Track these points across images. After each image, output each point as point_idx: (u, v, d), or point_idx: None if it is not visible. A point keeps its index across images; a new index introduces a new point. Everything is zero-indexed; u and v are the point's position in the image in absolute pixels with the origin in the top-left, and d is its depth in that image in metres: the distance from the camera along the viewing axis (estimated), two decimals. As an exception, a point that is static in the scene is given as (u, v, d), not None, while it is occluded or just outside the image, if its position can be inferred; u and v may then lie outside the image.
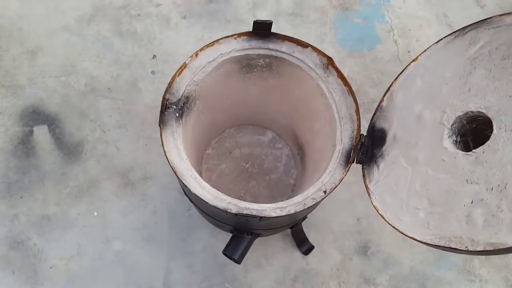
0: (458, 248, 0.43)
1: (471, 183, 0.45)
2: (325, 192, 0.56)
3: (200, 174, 0.83)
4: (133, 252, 0.86)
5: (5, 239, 0.86)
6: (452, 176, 0.47)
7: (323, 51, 0.62)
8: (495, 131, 0.44)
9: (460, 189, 0.46)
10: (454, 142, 0.50)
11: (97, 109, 0.94)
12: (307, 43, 0.61)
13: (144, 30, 1.00)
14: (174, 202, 0.89)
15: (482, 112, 0.46)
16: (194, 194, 0.54)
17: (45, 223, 0.87)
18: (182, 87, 0.60)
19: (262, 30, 0.60)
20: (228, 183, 0.84)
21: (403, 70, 0.56)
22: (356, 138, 0.59)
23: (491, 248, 0.40)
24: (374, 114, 0.60)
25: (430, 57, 0.53)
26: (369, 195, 0.56)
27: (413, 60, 0.55)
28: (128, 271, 0.85)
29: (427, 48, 0.53)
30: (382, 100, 0.59)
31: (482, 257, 0.88)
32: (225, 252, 0.61)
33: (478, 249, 0.41)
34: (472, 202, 0.44)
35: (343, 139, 0.59)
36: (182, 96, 0.60)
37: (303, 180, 0.77)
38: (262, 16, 1.02)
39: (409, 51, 1.00)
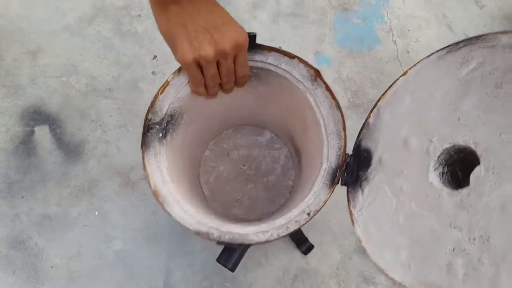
0: None
1: (454, 228, 0.42)
2: (309, 214, 0.54)
3: (198, 176, 0.83)
4: (133, 251, 0.86)
5: (5, 239, 0.86)
6: (436, 216, 0.45)
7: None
8: (482, 173, 0.41)
9: (443, 232, 0.43)
10: (441, 174, 0.47)
11: (98, 109, 0.95)
12: (294, 55, 0.59)
13: (145, 31, 1.01)
14: (175, 202, 0.89)
15: (470, 148, 0.43)
16: (175, 220, 0.54)
17: (46, 223, 0.87)
18: (165, 105, 0.58)
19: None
20: (226, 186, 0.84)
21: (391, 85, 0.53)
22: (342, 157, 0.56)
23: None
24: (361, 131, 0.56)
25: (420, 72, 0.49)
26: (352, 222, 0.53)
27: (403, 74, 0.52)
28: (129, 270, 0.85)
29: (418, 62, 0.50)
30: (369, 117, 0.55)
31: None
32: (218, 261, 0.61)
33: None
34: (453, 250, 0.41)
35: (329, 157, 0.57)
36: (165, 114, 0.58)
37: (300, 182, 0.77)
38: (262, 16, 1.02)
39: (408, 52, 1.00)
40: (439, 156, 0.46)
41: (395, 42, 1.01)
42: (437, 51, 0.47)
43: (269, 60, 0.59)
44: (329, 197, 0.55)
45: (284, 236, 0.54)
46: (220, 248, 0.62)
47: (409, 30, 1.02)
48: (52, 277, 0.84)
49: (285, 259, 0.87)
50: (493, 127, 0.41)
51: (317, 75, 0.58)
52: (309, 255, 0.86)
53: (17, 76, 0.97)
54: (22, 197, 0.89)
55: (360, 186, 0.54)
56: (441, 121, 0.46)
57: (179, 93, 0.58)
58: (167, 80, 0.58)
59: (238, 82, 0.56)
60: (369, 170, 0.54)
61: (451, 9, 1.04)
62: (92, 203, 0.89)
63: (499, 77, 0.41)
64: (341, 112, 0.57)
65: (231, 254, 0.60)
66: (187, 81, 0.57)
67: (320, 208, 0.55)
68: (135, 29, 1.01)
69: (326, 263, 0.87)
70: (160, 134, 0.57)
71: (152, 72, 0.98)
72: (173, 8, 0.47)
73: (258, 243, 0.54)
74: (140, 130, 0.93)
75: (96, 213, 0.88)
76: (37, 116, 0.94)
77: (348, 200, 0.55)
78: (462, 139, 0.44)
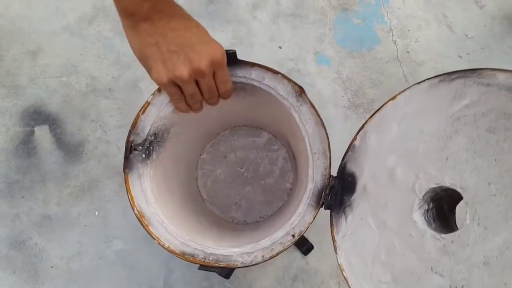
0: None
1: (436, 273, 0.40)
2: (293, 236, 0.54)
3: (196, 180, 0.83)
4: (133, 251, 0.86)
5: (6, 239, 0.86)
6: (417, 258, 0.43)
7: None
8: (467, 221, 0.39)
9: (424, 275, 0.41)
10: (425, 211, 0.45)
11: (98, 109, 0.95)
12: (276, 70, 0.57)
13: (145, 31, 1.01)
14: (175, 202, 0.89)
15: (455, 190, 0.41)
16: (160, 245, 0.54)
17: (46, 223, 0.87)
18: (147, 125, 0.57)
19: (227, 60, 0.55)
20: (224, 189, 0.83)
21: (379, 108, 0.51)
22: (327, 178, 0.55)
23: None
24: (346, 153, 0.54)
25: (410, 99, 0.47)
26: (335, 248, 0.52)
27: (391, 99, 0.49)
28: (129, 270, 0.85)
29: (408, 88, 0.47)
30: (355, 138, 0.53)
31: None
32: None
33: None
34: None
35: (315, 177, 0.55)
36: (147, 135, 0.57)
37: (297, 186, 0.76)
38: (262, 16, 1.02)
39: (408, 52, 1.00)
40: (424, 195, 0.44)
41: (395, 42, 1.01)
42: (429, 79, 0.45)
43: (252, 76, 0.58)
44: (314, 219, 0.54)
45: (269, 258, 0.54)
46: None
47: (409, 30, 1.02)
48: (52, 277, 0.85)
49: (285, 259, 0.87)
50: (482, 175, 0.39)
51: (301, 91, 0.57)
52: (309, 255, 0.86)
53: (17, 76, 0.97)
54: (22, 197, 0.89)
55: (344, 212, 0.53)
56: (429, 158, 0.44)
57: (161, 112, 0.57)
58: (147, 100, 0.57)
59: (222, 97, 0.55)
60: (353, 197, 0.52)
61: (451, 9, 1.04)
62: (92, 203, 0.89)
63: (492, 120, 0.39)
64: (325, 130, 0.56)
65: None
66: (168, 99, 0.56)
67: (305, 230, 0.54)
68: (135, 29, 1.01)
69: (326, 263, 0.87)
70: (143, 155, 0.56)
71: (152, 72, 0.98)
72: (144, 26, 0.45)
73: (243, 266, 0.53)
74: (140, 130, 0.94)
75: (96, 213, 0.88)
76: (37, 116, 0.94)
77: (331, 225, 0.54)
78: (449, 182, 0.42)
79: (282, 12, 1.03)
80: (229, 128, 0.85)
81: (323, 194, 0.54)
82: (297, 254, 0.87)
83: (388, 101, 0.49)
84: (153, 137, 0.57)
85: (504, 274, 0.35)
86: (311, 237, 0.86)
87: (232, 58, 0.55)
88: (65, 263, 0.86)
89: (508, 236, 0.36)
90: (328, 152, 0.55)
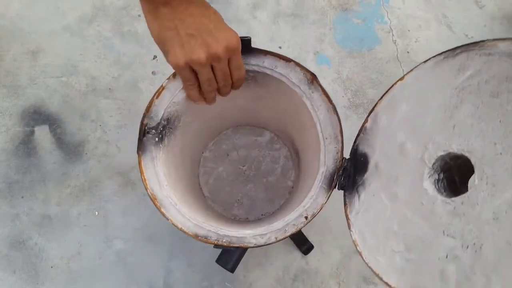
0: None
1: (447, 235, 0.42)
2: (306, 218, 0.55)
3: (198, 177, 0.83)
4: (133, 251, 0.86)
5: (6, 239, 0.86)
6: (429, 224, 0.44)
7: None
8: (476, 181, 0.40)
9: (436, 240, 0.43)
10: (436, 181, 0.47)
11: (98, 109, 0.95)
12: (289, 58, 0.58)
13: (145, 31, 1.01)
14: (175, 202, 0.89)
15: (465, 156, 0.43)
16: (173, 225, 0.54)
17: (46, 223, 0.87)
18: (161, 110, 0.58)
19: (242, 47, 0.56)
20: (226, 187, 0.84)
21: (388, 89, 0.53)
22: (339, 161, 0.56)
23: None
24: (358, 135, 0.56)
25: (418, 77, 0.49)
26: (349, 226, 0.54)
27: (400, 79, 0.51)
28: (129, 270, 0.85)
29: (414, 68, 0.50)
30: (366, 121, 0.55)
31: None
32: (218, 262, 0.61)
33: None
34: (447, 257, 0.41)
35: (326, 161, 0.56)
36: (161, 119, 0.58)
37: (300, 183, 0.77)
38: (262, 17, 1.02)
39: (408, 52, 1.00)
40: (434, 163, 0.46)
41: (395, 42, 1.01)
42: (434, 57, 0.47)
43: (265, 64, 0.59)
44: (327, 200, 0.55)
45: (282, 239, 0.54)
46: (219, 250, 0.62)
47: (409, 30, 1.02)
48: (52, 277, 0.85)
49: (285, 259, 0.87)
50: (488, 137, 0.40)
51: (313, 79, 0.58)
52: (309, 255, 0.86)
53: (17, 76, 0.97)
54: (22, 197, 0.89)
55: (357, 191, 0.54)
56: (436, 129, 0.46)
57: (175, 97, 0.58)
58: (162, 85, 0.58)
59: (234, 85, 0.56)
60: (365, 176, 0.54)
61: (451, 9, 1.04)
62: (92, 203, 0.89)
63: (495, 86, 0.40)
64: (338, 116, 0.57)
65: (230, 255, 0.60)
66: (182, 86, 0.57)
67: (318, 212, 0.55)
68: (135, 29, 1.01)
69: (326, 263, 0.87)
70: (157, 139, 0.57)
71: (152, 72, 0.98)
72: (164, 10, 0.46)
73: (256, 246, 0.54)
74: (140, 130, 0.94)
75: (96, 213, 0.88)
76: (37, 116, 0.94)
77: (345, 204, 0.55)
78: (456, 148, 0.44)
79: (282, 12, 1.03)
80: (232, 127, 0.86)
81: (335, 177, 0.55)
82: (297, 254, 0.87)
83: (397, 81, 0.51)
84: (166, 122, 0.58)
85: None
86: (311, 237, 0.86)
87: (246, 45, 0.56)
88: (65, 263, 0.86)
89: None
90: (339, 137, 0.56)
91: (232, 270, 0.59)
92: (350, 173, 0.56)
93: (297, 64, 0.58)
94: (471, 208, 0.40)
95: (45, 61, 0.98)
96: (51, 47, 0.99)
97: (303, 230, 0.85)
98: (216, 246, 0.54)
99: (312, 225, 0.88)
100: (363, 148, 0.55)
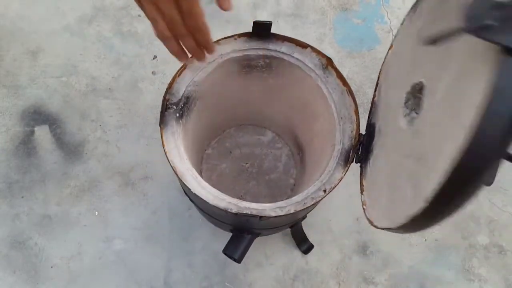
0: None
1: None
2: (324, 191, 0.56)
3: (200, 174, 0.84)
4: (133, 251, 0.86)
5: (6, 239, 0.86)
6: (413, 161, 0.46)
7: (322, 51, 0.62)
8: (425, 101, 0.43)
9: (421, 173, 0.44)
10: (411, 119, 0.49)
11: (98, 109, 0.95)
12: (307, 44, 0.61)
13: (145, 31, 1.01)
14: (175, 202, 0.89)
15: (421, 82, 0.46)
16: (195, 194, 0.55)
17: (46, 223, 0.87)
18: (182, 87, 0.60)
19: (261, 30, 0.60)
20: (228, 183, 0.84)
21: (384, 60, 0.57)
22: (355, 138, 0.59)
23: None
24: (370, 111, 0.60)
25: (402, 40, 0.53)
26: (361, 191, 0.57)
27: (390, 48, 0.56)
28: (129, 270, 0.85)
29: (397, 33, 0.54)
30: (374, 96, 0.59)
31: (481, 257, 0.88)
32: (225, 252, 0.61)
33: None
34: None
35: (342, 139, 0.59)
36: (182, 96, 0.60)
37: (302, 180, 0.77)
38: (262, 17, 1.02)
39: (408, 52, 1.00)
40: (405, 102, 0.49)
41: (395, 42, 1.01)
42: (407, 15, 0.51)
43: (283, 50, 0.61)
44: (344, 175, 0.57)
45: (301, 210, 0.55)
46: (224, 243, 0.62)
47: (409, 30, 1.02)
48: (52, 277, 0.84)
49: (285, 259, 0.87)
50: (435, 63, 0.43)
51: (328, 63, 0.61)
52: (309, 255, 0.86)
53: (17, 76, 0.97)
54: (22, 197, 0.89)
55: (369, 159, 0.58)
56: (407, 74, 0.50)
57: (196, 76, 0.60)
58: (184, 63, 0.60)
59: (198, 39, 0.51)
60: (373, 143, 0.57)
61: (451, 9, 1.04)
62: (92, 203, 0.89)
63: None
64: (353, 97, 0.59)
65: (238, 243, 0.61)
66: (204, 65, 0.60)
67: (335, 186, 0.56)
68: (135, 29, 1.01)
69: (326, 263, 0.87)
70: (177, 114, 0.59)
71: (152, 72, 0.98)
72: None
73: (276, 216, 0.55)
74: (141, 129, 0.94)
75: (96, 213, 0.88)
76: (37, 116, 0.94)
77: (361, 175, 0.58)
78: (416, 79, 0.47)
79: (282, 12, 1.03)
80: (235, 126, 0.86)
81: (351, 152, 0.58)
82: (297, 254, 0.87)
83: (388, 51, 0.56)
84: (185, 100, 0.60)
85: None
86: (311, 237, 0.86)
87: (266, 30, 0.59)
88: (65, 263, 0.85)
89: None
90: (354, 117, 0.59)
91: (239, 260, 0.60)
92: (366, 147, 0.59)
93: (314, 49, 0.61)
94: (423, 124, 0.44)
95: (45, 61, 0.98)
96: (51, 47, 0.99)
97: (304, 228, 0.85)
98: (238, 215, 0.54)
99: (312, 225, 0.88)
100: (374, 120, 0.59)
